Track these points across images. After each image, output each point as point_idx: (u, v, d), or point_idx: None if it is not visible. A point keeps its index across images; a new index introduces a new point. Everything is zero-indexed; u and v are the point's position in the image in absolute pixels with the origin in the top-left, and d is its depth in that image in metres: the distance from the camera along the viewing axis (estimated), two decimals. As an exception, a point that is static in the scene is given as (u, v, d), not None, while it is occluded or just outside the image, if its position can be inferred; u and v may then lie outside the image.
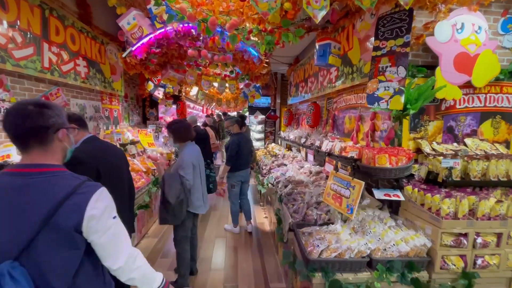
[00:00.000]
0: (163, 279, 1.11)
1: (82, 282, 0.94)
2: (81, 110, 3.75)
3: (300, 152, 4.79)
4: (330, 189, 2.35)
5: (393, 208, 2.47)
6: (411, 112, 2.25)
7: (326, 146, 3.55)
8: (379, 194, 2.25)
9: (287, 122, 6.95)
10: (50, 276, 0.86)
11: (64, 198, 0.88)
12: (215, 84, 5.40)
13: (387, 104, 2.30)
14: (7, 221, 0.86)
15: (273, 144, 6.66)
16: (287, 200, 2.91)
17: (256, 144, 8.06)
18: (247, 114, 9.58)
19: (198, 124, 9.99)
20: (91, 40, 3.82)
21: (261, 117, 9.10)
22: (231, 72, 3.49)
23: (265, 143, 8.68)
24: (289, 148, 6.87)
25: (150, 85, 4.84)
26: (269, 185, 3.98)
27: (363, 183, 2.04)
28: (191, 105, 8.37)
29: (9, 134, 0.91)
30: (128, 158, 3.95)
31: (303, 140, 4.51)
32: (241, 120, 3.98)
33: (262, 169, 4.94)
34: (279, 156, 5.36)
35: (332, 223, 2.37)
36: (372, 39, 2.63)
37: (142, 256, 1.08)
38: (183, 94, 6.13)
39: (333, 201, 2.28)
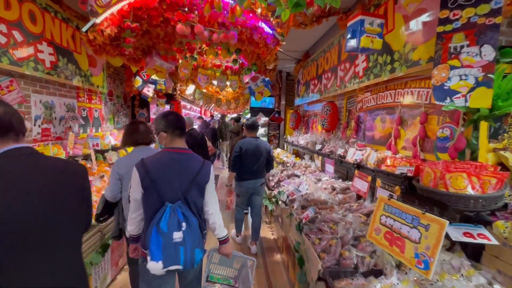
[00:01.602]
0: (226, 234, 1.74)
1: (203, 216, 1.63)
2: (46, 108, 3.01)
3: (314, 161, 4.06)
4: (381, 224, 1.62)
5: (469, 250, 1.73)
6: (505, 111, 1.53)
7: (353, 155, 2.82)
8: (455, 233, 1.51)
9: (294, 125, 6.23)
10: (194, 209, 1.54)
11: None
12: (214, 82, 4.69)
13: (466, 100, 1.58)
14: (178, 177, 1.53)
15: (278, 150, 5.93)
16: (309, 229, 2.17)
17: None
18: (248, 116, 8.85)
19: (195, 126, 9.28)
20: (61, 23, 3.08)
21: (264, 119, 8.37)
22: (234, 61, 2.79)
23: (268, 148, 7.94)
24: (296, 154, 6.14)
25: (138, 81, 4.13)
26: (280, 202, 3.24)
27: (445, 223, 1.30)
28: (188, 105, 7.64)
29: None
30: (105, 169, 3.20)
31: (318, 147, 3.79)
32: (248, 124, 3.45)
33: (269, 180, 4.20)
34: (288, 164, 4.63)
35: (381, 271, 1.64)
36: (428, 14, 1.92)
37: (220, 214, 1.72)
38: (178, 92, 5.42)
39: (387, 242, 1.55)
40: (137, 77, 4.15)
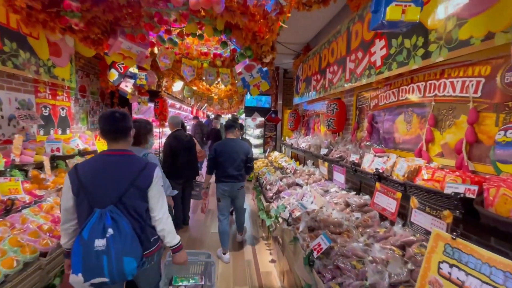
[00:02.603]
0: (179, 241, 1.58)
1: (149, 221, 1.47)
2: (-14, 105, 2.39)
3: (318, 167, 3.51)
4: (441, 276, 1.06)
5: None
6: None
7: (370, 163, 2.28)
8: None
9: (293, 126, 5.68)
10: (135, 215, 1.40)
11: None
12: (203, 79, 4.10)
13: None
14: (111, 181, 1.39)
15: (276, 153, 5.37)
16: (323, 266, 1.60)
17: (253, 151, 6.74)
18: (243, 116, 8.28)
19: (188, 126, 8.68)
20: (7, -2, 2.46)
21: (260, 119, 7.81)
22: (223, 44, 2.21)
23: (264, 151, 7.38)
24: (295, 158, 5.59)
25: (113, 74, 3.53)
26: (280, 219, 2.68)
27: None
28: (177, 104, 7.03)
29: None
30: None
31: (324, 151, 3.24)
32: (225, 124, 3.33)
33: (266, 189, 3.63)
34: (288, 170, 4.07)
35: None
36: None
37: (171, 219, 1.54)
38: (163, 89, 4.82)
39: (455, 309, 0.99)
40: (112, 70, 3.55)
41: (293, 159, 5.17)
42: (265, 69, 2.38)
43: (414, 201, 1.67)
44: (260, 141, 7.92)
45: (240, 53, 2.24)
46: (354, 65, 3.01)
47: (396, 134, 2.46)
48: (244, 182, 3.28)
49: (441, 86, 1.91)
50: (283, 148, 5.73)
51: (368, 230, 1.86)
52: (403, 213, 2.04)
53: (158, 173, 1.48)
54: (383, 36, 2.41)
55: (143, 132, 2.31)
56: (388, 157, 2.18)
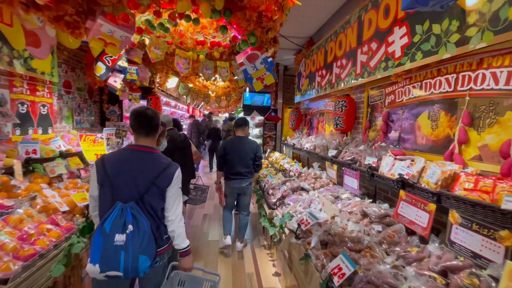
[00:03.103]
0: (188, 245, 1.55)
1: (163, 219, 1.47)
2: None
3: (325, 170, 3.21)
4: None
5: None
6: None
7: (391, 167, 1.99)
8: None
9: (295, 125, 5.40)
10: (152, 213, 1.40)
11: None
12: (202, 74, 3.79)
13: None
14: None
15: (277, 154, 5.08)
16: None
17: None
18: (241, 115, 7.96)
19: (184, 126, 8.36)
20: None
21: (259, 118, 7.50)
22: (223, 28, 1.88)
23: (264, 151, 7.08)
24: (297, 159, 5.30)
25: (100, 68, 3.20)
26: (285, 229, 2.38)
27: None
28: (172, 102, 6.69)
29: None
30: (42, 186, 2.27)
31: (332, 153, 2.95)
32: (236, 122, 3.37)
33: (269, 193, 3.33)
34: (291, 172, 3.77)
35: None
36: None
37: (183, 222, 1.52)
38: (157, 85, 4.49)
39: None
40: (99, 63, 3.22)
41: (296, 161, 4.88)
42: (270, 59, 2.09)
43: (454, 216, 1.38)
44: (259, 141, 7.62)
45: (243, 40, 1.94)
46: (366, 58, 2.72)
47: (418, 134, 2.17)
48: (252, 179, 3.31)
49: (479, 78, 1.63)
50: (283, 149, 5.44)
51: (397, 249, 1.56)
52: (437, 228, 1.75)
53: (179, 174, 1.49)
54: (404, 23, 2.12)
55: (159, 133, 2.18)
56: (413, 160, 1.90)
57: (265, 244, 3.50)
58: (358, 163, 2.45)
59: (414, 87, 2.21)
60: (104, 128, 3.90)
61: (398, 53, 2.20)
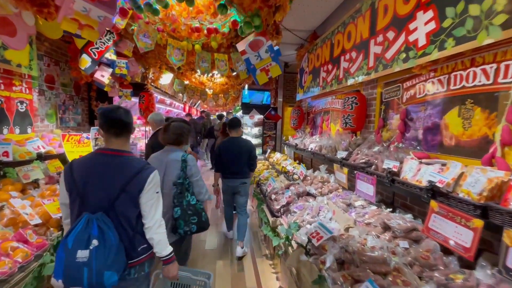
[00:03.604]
0: (171, 253, 1.45)
1: (139, 228, 1.38)
2: None
3: (333, 173, 2.93)
4: None
5: None
6: None
7: (415, 172, 1.72)
8: None
9: (296, 124, 5.12)
10: (124, 222, 1.32)
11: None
12: (199, 72, 3.48)
13: None
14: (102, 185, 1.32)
15: (278, 155, 4.80)
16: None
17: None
18: (240, 113, 7.67)
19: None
20: None
21: (258, 117, 7.21)
22: (222, 8, 1.59)
23: (263, 151, 6.80)
24: (300, 160, 5.02)
25: (85, 60, 2.88)
26: (292, 242, 2.10)
27: None
28: (167, 100, 6.38)
29: None
30: (12, 194, 1.97)
31: (341, 154, 2.68)
32: (229, 123, 3.39)
33: (271, 199, 3.05)
34: (295, 175, 3.49)
35: None
36: None
37: (163, 229, 1.42)
38: (150, 81, 4.18)
39: None
40: (84, 55, 2.90)
41: (301, 163, 4.60)
42: (276, 47, 1.80)
43: (511, 236, 1.11)
44: (258, 141, 7.33)
45: (245, 22, 1.64)
46: (381, 49, 2.44)
47: (444, 133, 1.90)
48: (247, 179, 3.32)
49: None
50: (285, 149, 5.16)
51: (435, 275, 1.29)
52: (479, 248, 1.47)
53: (154, 178, 1.38)
54: (431, 6, 1.84)
55: (186, 132, 2.18)
56: (444, 165, 1.62)
57: (267, 254, 3.22)
58: (374, 166, 2.17)
59: (440, 80, 1.94)
60: (92, 127, 3.59)
61: (422, 41, 1.92)
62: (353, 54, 2.97)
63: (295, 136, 4.97)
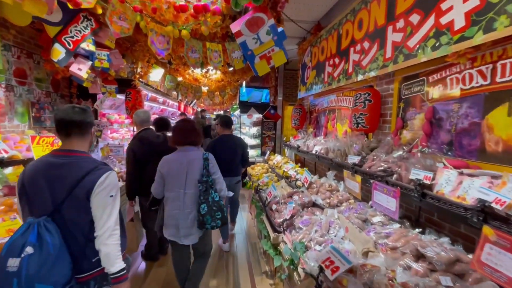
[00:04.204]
0: (121, 270, 1.23)
1: (93, 235, 1.22)
2: None
3: (343, 181, 2.56)
4: None
5: None
6: None
7: (456, 186, 1.38)
8: None
9: (298, 124, 4.75)
10: (74, 229, 1.21)
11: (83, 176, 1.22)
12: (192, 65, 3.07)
13: None
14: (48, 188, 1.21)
15: (278, 157, 4.43)
16: None
17: (250, 153, 5.74)
18: (237, 112, 7.29)
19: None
20: None
21: (256, 116, 6.85)
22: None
23: (262, 152, 6.43)
24: (302, 163, 4.66)
25: (58, 51, 2.50)
26: (299, 268, 1.74)
27: None
28: (160, 98, 5.99)
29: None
30: None
31: (353, 159, 2.32)
32: (221, 121, 3.42)
33: (272, 209, 2.69)
34: (298, 181, 3.13)
35: None
36: None
37: (116, 240, 1.24)
38: (137, 77, 3.79)
39: None
40: (56, 45, 2.51)
41: (305, 169, 4.24)
42: (280, 29, 1.43)
43: None
44: (257, 141, 6.95)
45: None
46: (402, 36, 2.08)
47: (487, 137, 1.55)
48: (240, 177, 3.44)
49: None
50: (286, 150, 4.80)
51: None
52: None
53: (108, 179, 1.25)
54: (472, -22, 1.48)
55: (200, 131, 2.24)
56: (497, 178, 1.26)
57: (267, 271, 2.85)
58: (396, 176, 1.81)
59: (480, 71, 1.58)
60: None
61: (459, 23, 1.55)
62: (366, 45, 2.60)
63: (296, 136, 4.61)
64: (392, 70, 2.21)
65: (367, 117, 2.50)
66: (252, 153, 6.59)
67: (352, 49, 2.88)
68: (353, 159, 2.34)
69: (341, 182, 2.69)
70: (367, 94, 2.49)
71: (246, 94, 6.85)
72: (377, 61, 2.41)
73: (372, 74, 2.48)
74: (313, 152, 3.24)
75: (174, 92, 7.03)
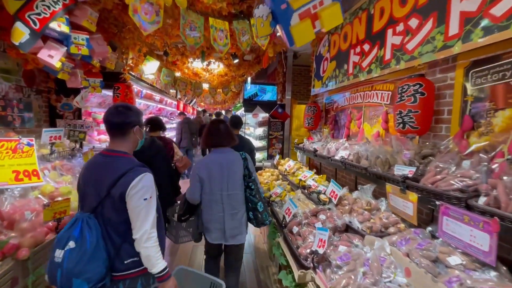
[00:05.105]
0: (163, 269, 1.27)
1: (130, 238, 1.24)
2: None
3: (387, 197, 1.97)
4: None
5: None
6: None
7: None
8: None
9: (312, 124, 4.18)
10: (110, 228, 1.25)
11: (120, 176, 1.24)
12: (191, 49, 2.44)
13: None
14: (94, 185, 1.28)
15: (291, 162, 3.85)
16: None
17: (256, 156, 5.14)
18: (241, 111, 6.72)
19: (174, 125, 7.06)
20: None
21: (262, 116, 6.29)
22: None
23: (269, 155, 5.87)
24: (317, 168, 4.09)
25: (20, 32, 1.93)
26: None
27: None
28: (157, 96, 5.42)
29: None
30: None
31: (403, 171, 1.76)
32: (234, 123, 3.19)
33: (292, 232, 2.11)
34: (321, 194, 2.55)
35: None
36: None
37: (153, 242, 1.25)
38: (127, 70, 3.22)
39: None
40: (18, 23, 1.94)
41: (311, 170, 3.67)
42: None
43: None
44: (263, 143, 6.38)
45: None
46: (478, 5, 1.51)
47: None
48: None
49: None
50: (298, 154, 4.23)
51: None
52: None
53: (141, 182, 1.23)
54: None
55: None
56: None
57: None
58: (485, 199, 1.24)
59: None
60: (44, 130, 2.64)
61: None
62: (413, 22, 2.03)
63: (311, 138, 4.04)
64: (461, 51, 1.64)
65: (418, 115, 1.92)
66: (258, 156, 6.02)
67: (390, 31, 2.31)
68: (403, 170, 1.77)
69: (382, 199, 2.12)
70: (418, 85, 1.91)
71: (252, 91, 6.27)
72: (433, 42, 1.85)
73: (425, 59, 1.92)
74: (337, 158, 2.67)
75: (173, 90, 6.47)
